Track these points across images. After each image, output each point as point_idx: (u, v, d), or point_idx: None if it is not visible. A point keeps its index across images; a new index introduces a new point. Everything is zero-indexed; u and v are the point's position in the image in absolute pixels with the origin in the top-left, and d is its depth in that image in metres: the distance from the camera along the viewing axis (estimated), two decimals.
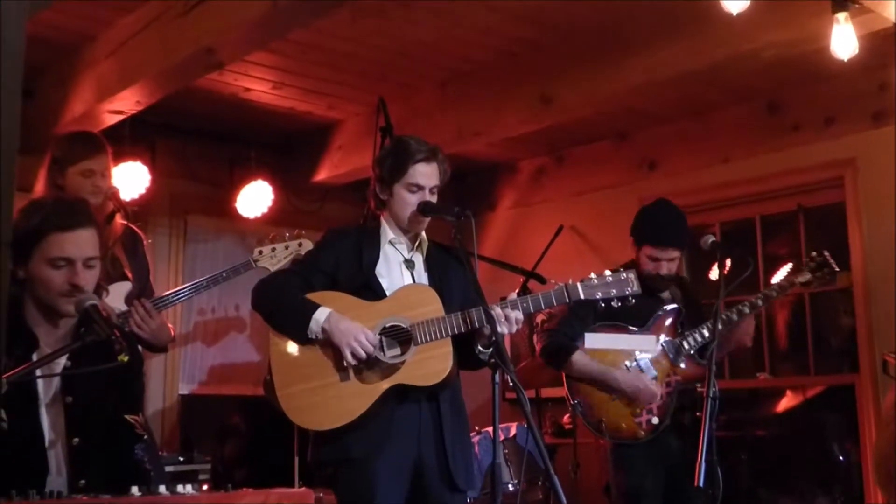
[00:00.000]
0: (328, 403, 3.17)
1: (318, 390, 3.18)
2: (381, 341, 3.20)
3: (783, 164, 5.78)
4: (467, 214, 3.20)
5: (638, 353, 4.15)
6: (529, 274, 5.57)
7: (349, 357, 3.13)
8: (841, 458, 5.65)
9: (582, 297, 3.30)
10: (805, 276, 4.24)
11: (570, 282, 3.32)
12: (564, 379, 4.26)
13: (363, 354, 3.13)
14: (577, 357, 4.16)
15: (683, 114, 6.13)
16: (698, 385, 4.03)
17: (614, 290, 3.33)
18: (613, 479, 4.11)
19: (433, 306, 3.24)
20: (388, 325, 3.21)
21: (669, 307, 4.24)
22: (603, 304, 3.34)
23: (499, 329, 3.11)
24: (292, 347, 3.24)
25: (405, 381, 3.18)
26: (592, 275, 3.35)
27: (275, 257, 4.25)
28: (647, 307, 4.12)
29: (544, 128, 5.85)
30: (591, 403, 4.16)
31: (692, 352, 4.15)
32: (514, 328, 3.20)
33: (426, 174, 3.34)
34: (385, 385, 3.17)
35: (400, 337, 3.21)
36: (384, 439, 3.15)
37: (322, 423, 3.18)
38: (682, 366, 4.13)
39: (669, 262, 4.22)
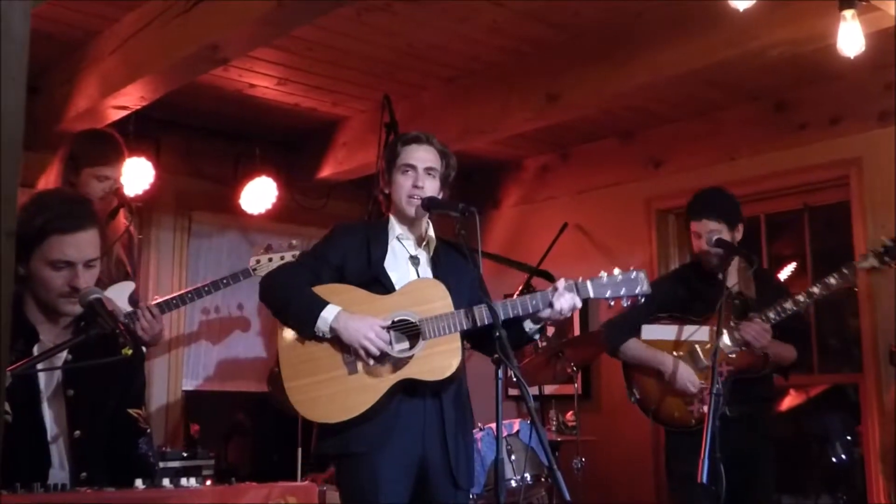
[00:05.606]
0: (336, 396, 3.16)
1: (326, 383, 3.18)
2: (389, 335, 3.20)
3: (789, 163, 5.75)
4: (472, 210, 3.19)
5: (694, 345, 4.14)
6: (536, 271, 5.55)
7: (363, 356, 3.14)
8: (844, 457, 5.64)
9: (592, 295, 3.30)
10: (870, 261, 4.10)
11: (581, 280, 3.32)
12: (622, 368, 4.37)
13: (377, 352, 3.13)
14: (631, 343, 4.27)
15: (689, 112, 6.10)
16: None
17: (624, 289, 3.32)
18: (669, 464, 4.32)
19: (443, 301, 3.24)
20: (396, 319, 3.21)
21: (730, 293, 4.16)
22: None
23: (548, 314, 3.21)
24: (300, 340, 3.23)
25: (413, 375, 3.18)
26: (603, 273, 3.34)
27: (272, 266, 4.29)
28: (712, 294, 4.04)
29: (550, 125, 5.85)
30: (647, 392, 4.27)
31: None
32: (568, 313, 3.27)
33: (417, 156, 3.38)
34: (393, 379, 3.17)
35: (408, 331, 3.21)
36: (388, 434, 3.15)
37: (329, 416, 3.17)
38: (734, 355, 4.05)
39: (711, 237, 4.17)
